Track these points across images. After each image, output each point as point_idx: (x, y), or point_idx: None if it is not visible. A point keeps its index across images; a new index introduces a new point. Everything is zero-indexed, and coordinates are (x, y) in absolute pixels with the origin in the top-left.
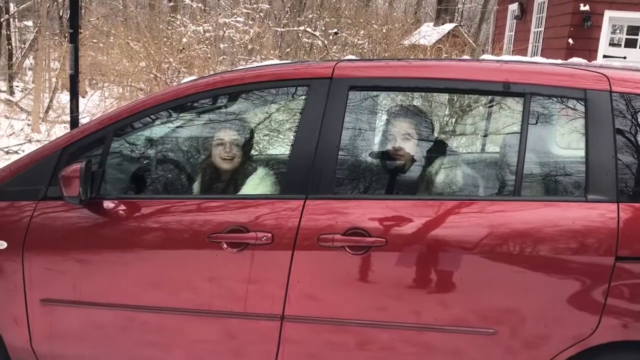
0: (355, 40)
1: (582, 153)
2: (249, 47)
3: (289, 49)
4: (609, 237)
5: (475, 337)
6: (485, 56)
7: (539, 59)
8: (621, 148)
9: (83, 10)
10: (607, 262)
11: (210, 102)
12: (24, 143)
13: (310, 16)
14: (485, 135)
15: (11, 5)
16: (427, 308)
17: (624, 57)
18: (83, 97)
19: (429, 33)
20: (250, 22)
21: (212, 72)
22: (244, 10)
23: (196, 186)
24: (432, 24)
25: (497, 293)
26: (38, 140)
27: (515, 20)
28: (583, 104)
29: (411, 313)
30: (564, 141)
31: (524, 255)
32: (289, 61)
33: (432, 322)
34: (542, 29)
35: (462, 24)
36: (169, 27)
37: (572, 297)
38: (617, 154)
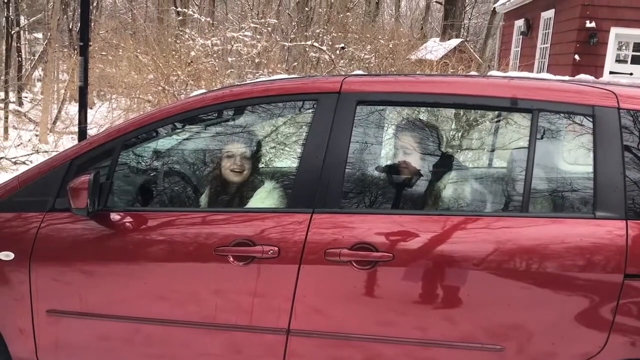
0: (362, 55)
1: (590, 169)
2: (257, 60)
3: (296, 63)
4: (617, 255)
5: (481, 354)
6: (492, 72)
7: (546, 75)
8: (629, 165)
9: (93, 24)
10: (615, 280)
11: (219, 116)
12: (31, 154)
13: (318, 31)
14: (492, 151)
15: (22, 17)
16: (434, 324)
17: (631, 74)
18: (91, 108)
19: (435, 48)
20: (258, 36)
21: (219, 85)
22: (252, 25)
23: (204, 199)
24: (439, 39)
25: (504, 309)
26: (46, 151)
27: (521, 36)
28: (591, 120)
29: (418, 328)
30: (572, 157)
31: (531, 271)
32: (296, 75)
33: (439, 337)
34: (548, 45)
35: (468, 39)
36: (177, 41)
37: (579, 315)
38: (625, 171)
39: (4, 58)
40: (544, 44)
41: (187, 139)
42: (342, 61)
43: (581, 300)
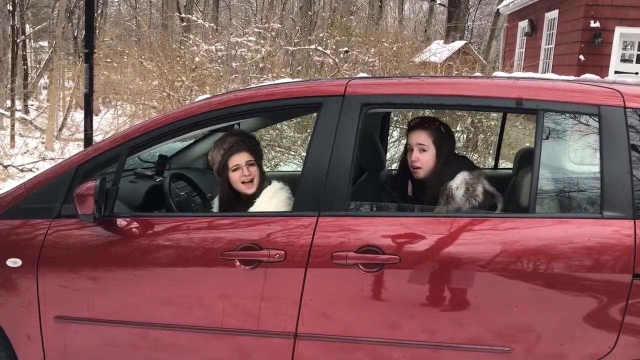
0: (366, 58)
1: (597, 169)
2: (261, 65)
3: (300, 67)
4: (625, 254)
5: (490, 356)
6: (496, 73)
7: (551, 75)
8: (636, 164)
9: (97, 31)
10: (624, 280)
11: (224, 120)
12: (38, 161)
13: (321, 35)
14: (498, 151)
15: (27, 26)
16: (442, 326)
17: (636, 73)
18: (96, 115)
19: (439, 50)
20: (262, 41)
21: (224, 90)
22: (256, 30)
23: (210, 203)
24: (442, 41)
25: (512, 311)
26: (52, 158)
27: (525, 37)
28: (597, 119)
29: (425, 331)
30: (578, 157)
31: (538, 272)
32: (300, 79)
33: (447, 340)
34: (553, 45)
35: (472, 41)
36: (182, 47)
37: (588, 315)
38: (632, 170)
39: (9, 66)
40: (548, 44)
41: (192, 143)
42: (346, 65)
43: (590, 300)
